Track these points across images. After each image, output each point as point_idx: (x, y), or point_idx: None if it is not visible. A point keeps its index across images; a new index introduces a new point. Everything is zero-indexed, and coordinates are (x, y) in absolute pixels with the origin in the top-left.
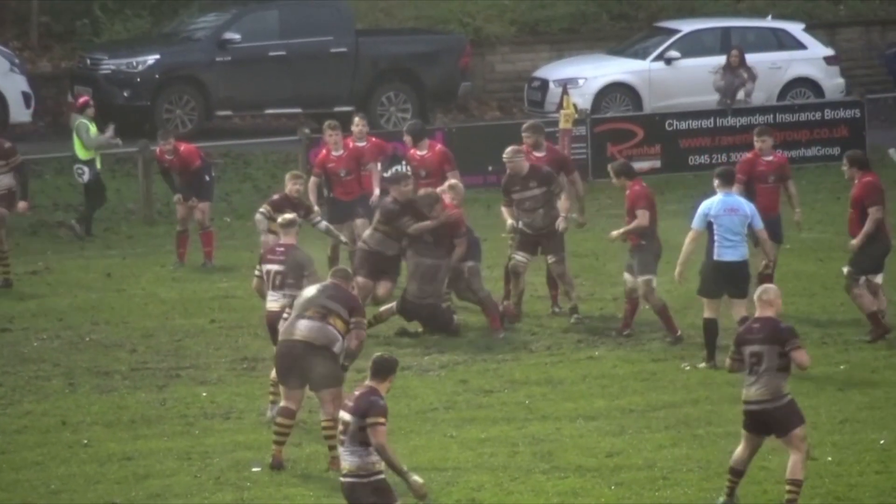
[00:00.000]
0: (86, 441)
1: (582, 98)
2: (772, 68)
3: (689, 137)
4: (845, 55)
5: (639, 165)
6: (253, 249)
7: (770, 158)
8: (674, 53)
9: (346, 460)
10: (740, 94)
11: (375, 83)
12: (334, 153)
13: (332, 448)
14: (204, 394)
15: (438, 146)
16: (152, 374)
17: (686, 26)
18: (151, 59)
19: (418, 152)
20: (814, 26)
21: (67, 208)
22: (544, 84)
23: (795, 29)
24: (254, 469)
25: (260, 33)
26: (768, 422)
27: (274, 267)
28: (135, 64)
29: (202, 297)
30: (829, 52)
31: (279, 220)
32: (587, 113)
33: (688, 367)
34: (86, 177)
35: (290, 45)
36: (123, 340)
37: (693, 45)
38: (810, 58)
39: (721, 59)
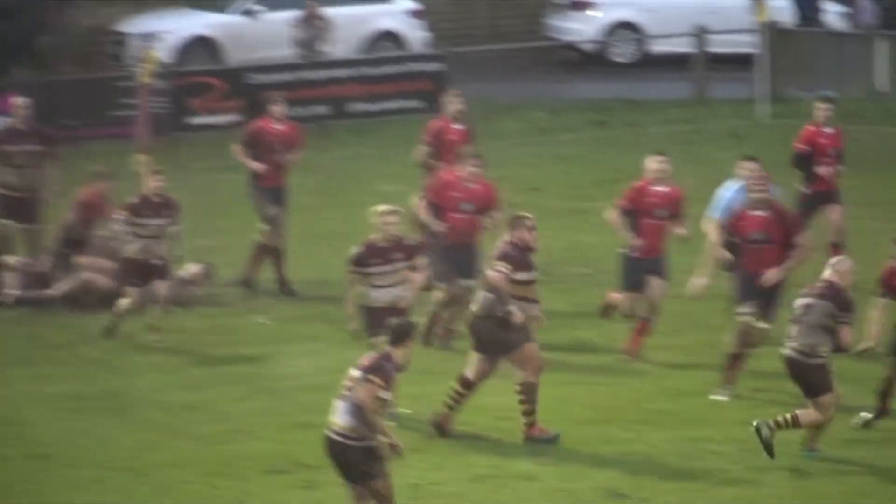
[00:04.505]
0: None
1: (165, 53)
2: (354, 21)
3: (269, 91)
4: (431, 9)
5: (220, 119)
6: None
7: None
8: (256, 7)
9: (341, 418)
10: (326, 47)
11: None
12: None
13: (525, 414)
14: None
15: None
16: None
17: None
18: None
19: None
20: None
21: None
22: (125, 38)
23: None
24: None
25: None
26: (798, 376)
27: None
28: None
29: None
30: (414, 5)
31: None
32: (167, 67)
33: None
34: None
35: None
36: None
37: None
38: (393, 11)
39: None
